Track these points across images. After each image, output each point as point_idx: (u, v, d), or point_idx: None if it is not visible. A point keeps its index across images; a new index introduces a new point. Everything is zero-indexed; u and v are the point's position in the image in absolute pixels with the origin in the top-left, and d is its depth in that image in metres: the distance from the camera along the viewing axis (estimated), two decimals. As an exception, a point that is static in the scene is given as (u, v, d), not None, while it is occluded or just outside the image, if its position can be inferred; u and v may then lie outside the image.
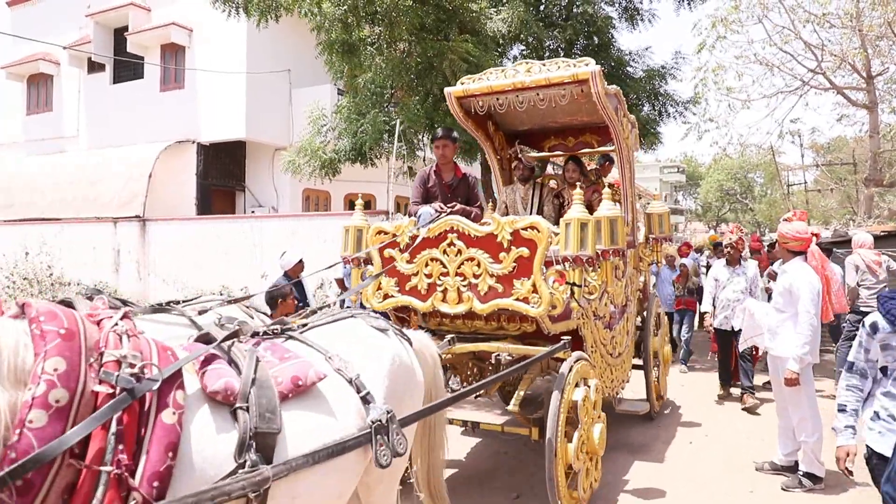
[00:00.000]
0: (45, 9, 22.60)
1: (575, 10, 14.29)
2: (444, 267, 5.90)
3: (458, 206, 6.54)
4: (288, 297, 6.86)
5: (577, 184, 7.71)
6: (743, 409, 9.19)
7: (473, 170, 12.63)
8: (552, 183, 8.69)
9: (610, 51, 14.62)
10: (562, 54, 13.89)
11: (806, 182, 34.92)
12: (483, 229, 5.78)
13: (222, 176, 21.70)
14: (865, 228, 15.07)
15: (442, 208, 6.41)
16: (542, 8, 14.48)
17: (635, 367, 8.31)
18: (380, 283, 6.23)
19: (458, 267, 5.84)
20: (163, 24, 20.75)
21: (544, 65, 6.99)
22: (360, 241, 6.55)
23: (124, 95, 21.62)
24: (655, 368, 8.55)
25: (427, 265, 5.98)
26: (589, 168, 9.06)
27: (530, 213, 7.98)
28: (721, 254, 13.88)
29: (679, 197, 66.47)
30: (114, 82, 21.90)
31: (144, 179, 19.68)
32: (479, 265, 5.77)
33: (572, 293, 5.78)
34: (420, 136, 13.65)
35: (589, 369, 5.83)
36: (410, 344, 4.17)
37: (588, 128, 8.49)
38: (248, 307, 5.01)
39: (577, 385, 5.56)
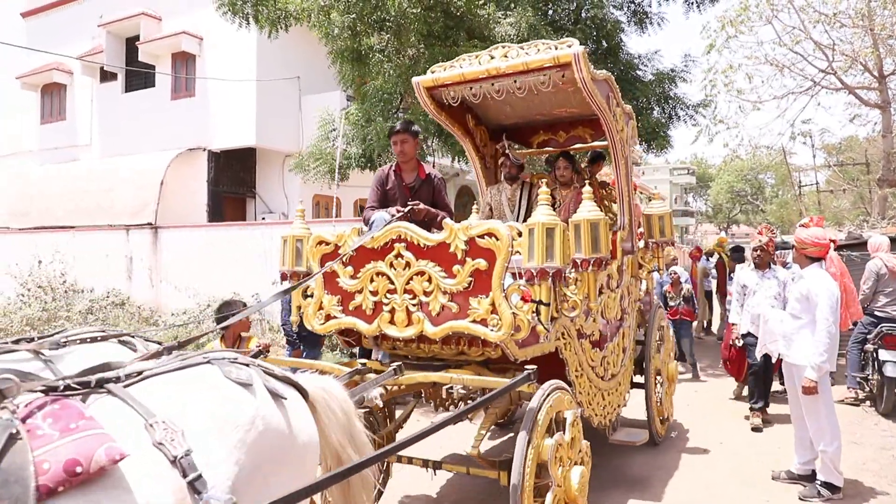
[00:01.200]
0: (59, 19, 21.71)
1: (584, 14, 13.34)
2: (392, 283, 4.66)
3: (422, 208, 5.30)
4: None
5: (582, 184, 6.56)
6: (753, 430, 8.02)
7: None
8: (543, 182, 7.41)
9: (619, 55, 13.77)
10: None
11: (818, 183, 33.31)
12: (434, 238, 4.54)
13: (233, 183, 20.77)
14: (880, 230, 13.84)
15: (400, 212, 5.18)
16: (550, 13, 13.52)
17: (637, 385, 7.03)
18: (321, 303, 4.99)
19: (407, 282, 4.60)
20: (174, 33, 19.84)
21: (522, 48, 5.72)
22: (301, 253, 5.30)
23: (136, 104, 20.70)
24: (659, 388, 7.22)
25: (372, 280, 4.74)
26: (584, 167, 7.77)
27: (517, 216, 6.73)
28: (739, 258, 12.57)
29: (689, 199, 64.43)
30: (126, 91, 21.00)
31: (156, 187, 18.81)
32: (430, 280, 4.54)
33: (538, 313, 4.46)
34: (429, 143, 12.93)
35: (566, 401, 4.55)
36: (305, 396, 2.99)
37: (581, 120, 7.19)
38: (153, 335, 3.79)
39: (550, 425, 4.29)
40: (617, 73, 12.85)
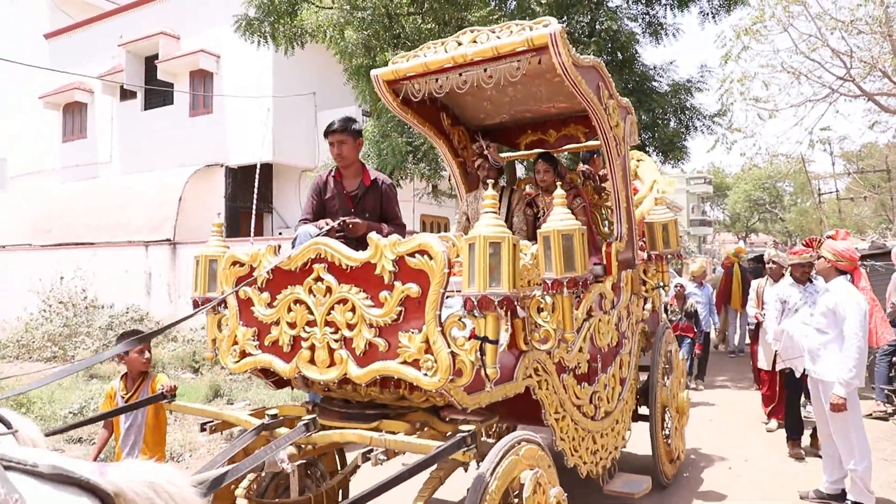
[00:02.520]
0: (80, 39, 20.94)
1: (598, 26, 12.85)
2: (311, 312, 3.49)
3: (359, 222, 4.15)
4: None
5: (569, 189, 5.39)
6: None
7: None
8: (528, 188, 6.19)
9: (634, 66, 13.21)
10: None
11: (838, 190, 31.60)
12: (358, 257, 3.38)
13: (250, 198, 19.65)
14: (905, 239, 12.61)
15: (329, 225, 4.04)
16: (564, 25, 12.15)
17: (642, 416, 5.79)
18: (235, 336, 3.83)
19: (328, 312, 3.43)
20: (192, 51, 19.07)
21: (493, 30, 4.54)
22: (217, 275, 4.12)
23: (155, 121, 19.93)
24: (668, 423, 5.91)
25: (290, 310, 3.57)
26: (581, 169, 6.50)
27: (495, 228, 5.53)
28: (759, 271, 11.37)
29: (706, 208, 62.11)
30: (145, 109, 20.21)
31: (175, 203, 18.09)
32: (353, 310, 3.36)
33: (482, 353, 3.24)
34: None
35: (534, 457, 3.34)
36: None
37: (573, 117, 5.96)
38: None
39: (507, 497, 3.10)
40: (633, 84, 12.66)
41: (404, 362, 3.21)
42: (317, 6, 11.92)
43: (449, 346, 3.12)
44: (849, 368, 5.13)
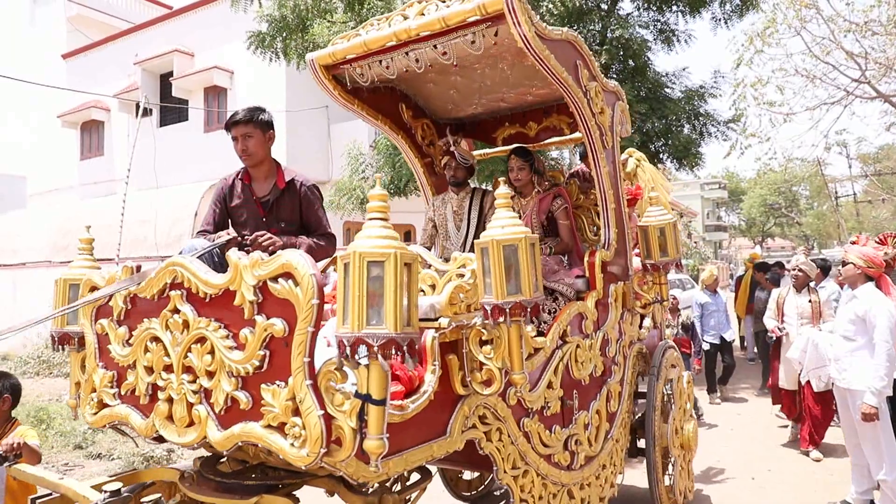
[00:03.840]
0: (97, 59, 20.26)
1: (609, 34, 12.21)
2: (168, 353, 2.48)
3: (266, 239, 3.16)
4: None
5: (544, 188, 4.41)
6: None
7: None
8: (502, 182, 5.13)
9: (647, 74, 12.41)
10: None
11: (855, 193, 29.98)
12: (216, 282, 2.36)
13: (264, 211, 18.97)
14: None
15: (230, 235, 3.08)
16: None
17: (641, 451, 4.71)
18: (93, 382, 2.83)
19: (185, 354, 2.41)
20: (205, 68, 18.32)
21: (443, 0, 3.53)
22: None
23: (170, 138, 19.15)
24: (671, 464, 4.78)
25: (147, 350, 2.56)
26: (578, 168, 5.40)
27: (466, 234, 4.52)
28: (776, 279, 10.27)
29: (722, 213, 59.81)
30: (160, 125, 19.43)
31: (191, 218, 17.04)
32: (212, 352, 2.33)
33: (362, 417, 2.14)
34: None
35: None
36: None
37: (556, 107, 4.89)
38: None
39: None
40: (646, 92, 12.10)
41: (269, 426, 2.19)
42: (328, 21, 11.48)
43: (322, 407, 2.09)
44: (880, 377, 4.77)
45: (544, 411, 3.36)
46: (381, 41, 3.70)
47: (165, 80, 19.04)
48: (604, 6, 12.77)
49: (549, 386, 3.40)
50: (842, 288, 6.77)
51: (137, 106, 19.23)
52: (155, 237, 17.77)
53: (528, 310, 2.64)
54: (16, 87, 15.98)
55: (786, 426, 7.34)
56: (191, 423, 2.42)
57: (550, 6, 11.46)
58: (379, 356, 2.02)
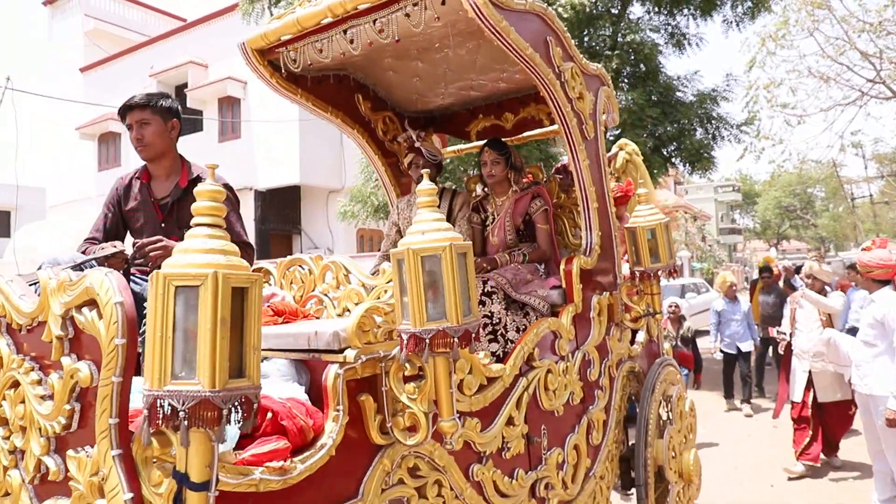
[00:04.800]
0: (114, 72, 19.84)
1: (620, 39, 11.88)
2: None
3: (156, 247, 2.51)
4: None
5: (521, 186, 3.73)
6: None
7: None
8: (480, 188, 4.41)
9: (658, 78, 12.09)
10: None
11: (871, 194, 28.75)
12: (27, 309, 1.67)
13: (279, 220, 18.66)
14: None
15: (115, 248, 2.44)
16: (586, 39, 11.94)
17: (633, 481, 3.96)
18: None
19: (-8, 402, 1.75)
20: (219, 79, 17.93)
21: (382, -35, 2.86)
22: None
23: (186, 148, 18.31)
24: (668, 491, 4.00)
25: (-43, 393, 1.90)
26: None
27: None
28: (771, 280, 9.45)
29: (736, 216, 57.95)
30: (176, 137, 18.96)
31: None
32: (24, 401, 1.66)
33: (179, 498, 1.41)
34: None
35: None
36: None
37: (533, 95, 4.16)
38: None
39: None
40: (657, 96, 11.72)
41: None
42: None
43: (133, 488, 1.41)
44: None
45: (503, 453, 2.64)
46: (316, 17, 3.03)
47: (180, 91, 18.58)
48: (614, 11, 12.35)
49: (510, 422, 2.69)
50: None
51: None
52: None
53: (456, 340, 1.94)
54: (36, 100, 15.60)
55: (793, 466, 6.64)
56: (6, 494, 1.76)
57: (560, 10, 10.95)
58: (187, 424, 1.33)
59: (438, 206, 3.80)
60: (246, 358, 1.41)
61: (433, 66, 3.73)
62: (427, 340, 1.91)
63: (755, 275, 12.12)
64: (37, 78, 19.68)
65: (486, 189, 3.90)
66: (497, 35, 2.74)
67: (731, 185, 51.31)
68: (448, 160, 11.85)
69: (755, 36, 17.72)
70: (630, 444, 3.85)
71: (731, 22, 12.79)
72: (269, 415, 1.90)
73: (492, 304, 3.18)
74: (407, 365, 2.08)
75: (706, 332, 16.94)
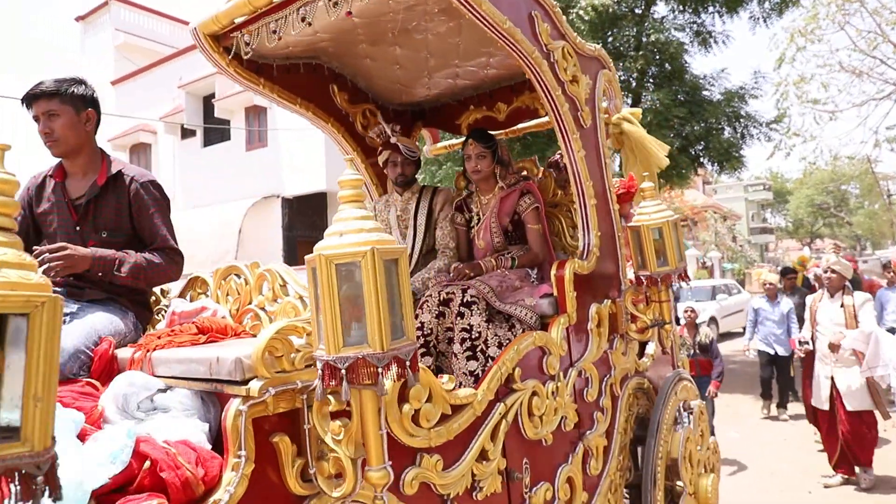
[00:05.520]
0: (143, 84, 19.72)
1: (644, 39, 11.48)
2: None
3: (77, 255, 2.12)
4: None
5: (509, 181, 3.25)
6: None
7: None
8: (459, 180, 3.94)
9: (684, 77, 11.75)
10: (633, 85, 11.73)
11: (908, 190, 27.55)
12: None
13: (306, 227, 18.24)
14: None
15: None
16: (610, 40, 11.63)
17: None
18: None
19: None
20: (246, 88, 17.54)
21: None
22: None
23: (214, 157, 18.58)
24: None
25: None
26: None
27: (413, 243, 3.39)
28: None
29: (767, 215, 56.00)
30: (204, 146, 18.87)
31: (235, 235, 16.65)
32: None
33: None
34: None
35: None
36: None
37: (527, 83, 3.66)
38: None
39: None
40: (683, 95, 11.44)
41: None
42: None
43: None
44: None
45: (473, 493, 2.18)
46: (267, -3, 2.62)
47: (208, 101, 18.40)
48: (638, 10, 12.04)
49: (483, 457, 2.23)
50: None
51: (182, 127, 18.81)
52: (202, 254, 17.34)
53: (381, 370, 1.50)
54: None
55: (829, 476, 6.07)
56: None
57: (581, 13, 10.52)
58: None
59: (417, 206, 3.38)
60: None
61: (413, 52, 3.30)
62: (342, 368, 1.47)
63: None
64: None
65: (470, 186, 3.44)
66: (466, 5, 2.29)
67: (761, 184, 49.64)
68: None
69: (783, 31, 16.99)
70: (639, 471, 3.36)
71: (758, 18, 12.33)
72: (147, 464, 1.48)
73: (471, 315, 2.73)
74: (331, 398, 1.64)
75: (739, 335, 16.27)
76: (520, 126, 3.84)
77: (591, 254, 2.99)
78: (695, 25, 12.45)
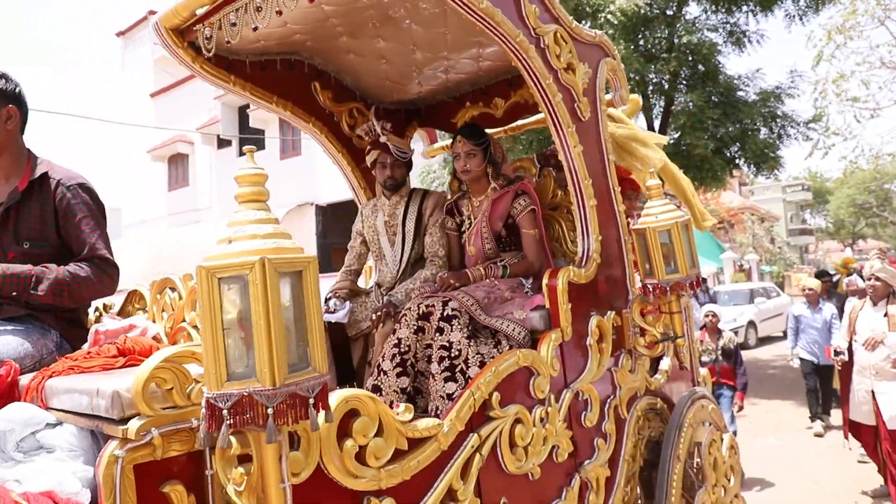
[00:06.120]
0: (181, 96, 19.84)
1: (676, 40, 11.19)
2: None
3: None
4: None
5: (501, 181, 2.90)
6: None
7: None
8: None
9: (718, 78, 11.31)
10: (666, 87, 11.51)
11: (955, 189, 26.20)
12: None
13: (340, 234, 18.16)
14: None
15: None
16: (641, 42, 11.33)
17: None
18: None
19: None
20: (280, 97, 17.56)
21: None
22: None
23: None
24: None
25: None
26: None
27: (402, 250, 3.07)
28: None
29: (806, 216, 53.95)
30: (240, 155, 18.89)
31: None
32: None
33: None
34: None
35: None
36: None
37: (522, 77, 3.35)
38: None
39: None
40: (717, 96, 11.01)
41: None
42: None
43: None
44: None
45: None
46: (224, -21, 2.34)
47: (243, 111, 18.47)
48: (669, 12, 11.67)
49: (451, 497, 1.89)
50: None
51: (218, 137, 18.86)
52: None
53: (271, 414, 1.17)
54: (110, 126, 15.69)
55: (865, 461, 5.61)
56: None
57: (609, 17, 10.15)
58: None
59: (406, 210, 3.06)
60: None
61: (398, 45, 2.98)
62: (226, 412, 1.16)
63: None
64: (111, 105, 19.94)
65: (464, 187, 3.11)
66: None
67: (800, 184, 47.84)
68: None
69: (821, 29, 16.26)
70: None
71: (794, 16, 11.89)
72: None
73: (451, 331, 2.40)
74: (233, 440, 1.33)
75: (778, 338, 15.58)
76: (519, 122, 3.49)
77: (591, 260, 2.64)
78: (728, 25, 12.00)
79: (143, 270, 18.54)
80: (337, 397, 1.61)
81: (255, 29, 2.32)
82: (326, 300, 3.01)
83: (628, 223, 2.98)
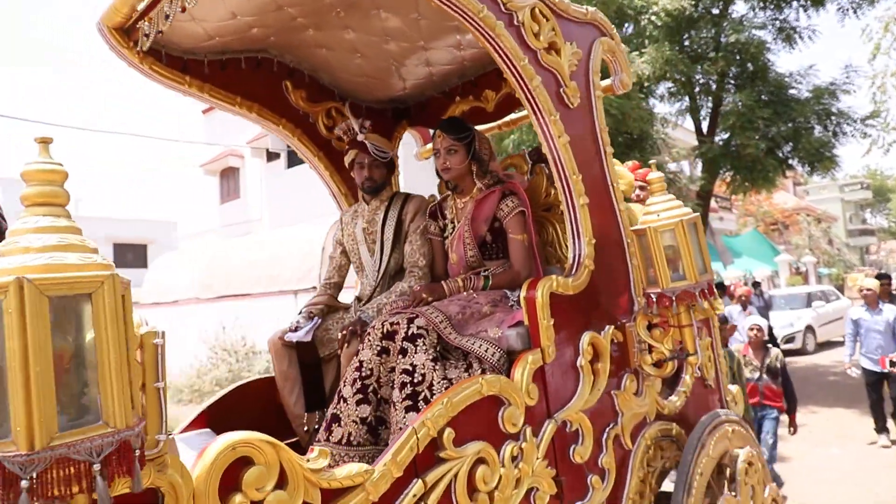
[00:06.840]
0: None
1: (723, 39, 11.00)
2: None
3: None
4: None
5: (488, 181, 2.51)
6: None
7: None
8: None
9: (767, 76, 11.01)
10: (714, 87, 11.40)
11: None
12: None
13: (383, 240, 17.97)
14: None
15: None
16: (686, 43, 11.10)
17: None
18: None
19: None
20: (325, 109, 17.52)
21: None
22: None
23: (297, 178, 18.55)
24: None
25: None
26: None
27: (381, 258, 2.73)
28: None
29: (867, 215, 51.07)
30: (288, 167, 18.89)
31: (318, 253, 16.53)
32: None
33: None
34: None
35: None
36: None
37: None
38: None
39: None
40: (767, 95, 10.74)
41: None
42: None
43: None
44: None
45: None
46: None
47: (289, 125, 18.50)
48: (715, 10, 11.38)
49: (386, 561, 1.53)
50: None
51: (267, 151, 18.92)
52: (288, 272, 17.51)
53: (26, 488, 0.84)
54: (166, 144, 15.92)
55: None
56: None
57: (654, 18, 9.71)
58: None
59: (385, 216, 2.71)
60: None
61: (369, 35, 2.64)
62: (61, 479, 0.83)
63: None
64: (166, 124, 20.32)
65: (448, 185, 2.74)
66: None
67: (858, 183, 45.47)
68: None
69: (876, 21, 15.33)
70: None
71: (847, 9, 11.40)
72: None
73: (415, 352, 2.03)
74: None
75: (838, 343, 14.62)
76: (513, 116, 3.11)
77: (583, 268, 2.24)
78: (777, 22, 11.60)
79: (198, 279, 18.82)
80: (221, 443, 1.28)
81: (183, 10, 1.99)
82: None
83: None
